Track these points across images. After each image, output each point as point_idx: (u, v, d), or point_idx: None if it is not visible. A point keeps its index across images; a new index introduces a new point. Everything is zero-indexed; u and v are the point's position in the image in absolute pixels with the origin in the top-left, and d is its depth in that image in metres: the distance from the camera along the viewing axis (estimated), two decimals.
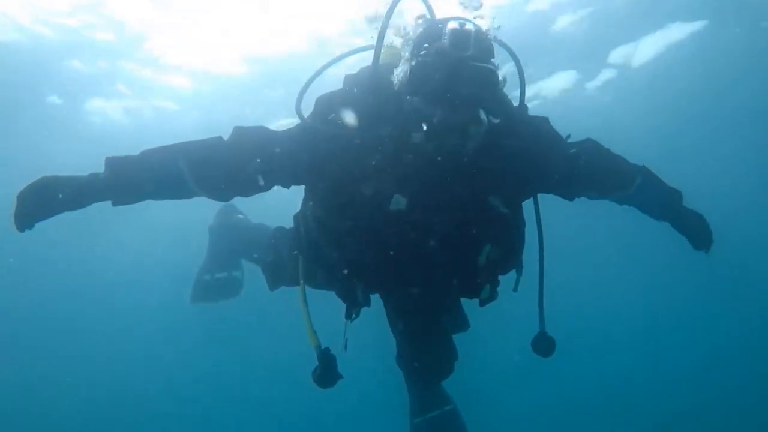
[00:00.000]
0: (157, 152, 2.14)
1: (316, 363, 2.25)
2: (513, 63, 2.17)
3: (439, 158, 1.95)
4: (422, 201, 2.02)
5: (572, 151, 2.27)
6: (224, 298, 4.12)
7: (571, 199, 2.41)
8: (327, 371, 2.22)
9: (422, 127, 1.91)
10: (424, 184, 2.01)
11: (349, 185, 2.04)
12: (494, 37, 2.05)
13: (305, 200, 2.34)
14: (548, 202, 2.42)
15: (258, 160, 2.09)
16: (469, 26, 1.90)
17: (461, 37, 1.88)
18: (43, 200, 2.07)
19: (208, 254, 4.22)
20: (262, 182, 2.13)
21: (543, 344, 2.40)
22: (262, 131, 2.21)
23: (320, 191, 2.16)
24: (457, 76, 1.87)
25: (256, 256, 3.61)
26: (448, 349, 2.69)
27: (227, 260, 4.11)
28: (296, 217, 2.43)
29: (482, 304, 2.33)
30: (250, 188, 2.18)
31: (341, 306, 2.33)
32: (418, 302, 2.34)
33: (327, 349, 2.26)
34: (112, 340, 17.25)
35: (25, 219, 2.07)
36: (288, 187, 2.24)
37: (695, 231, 2.58)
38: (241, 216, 4.19)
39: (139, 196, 2.14)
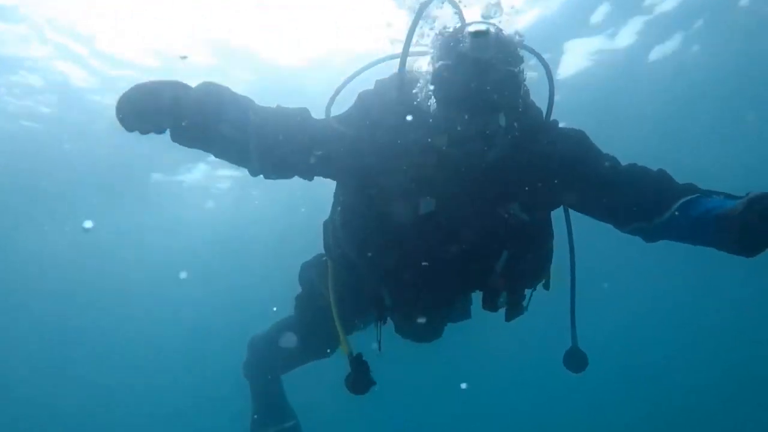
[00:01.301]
0: (236, 103, 2.03)
1: (349, 370, 2.25)
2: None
3: (462, 165, 1.96)
4: (448, 205, 2.02)
5: (607, 164, 2.10)
6: None
7: (618, 224, 2.14)
8: (360, 377, 2.22)
9: (445, 133, 1.92)
10: (449, 189, 2.01)
11: (381, 189, 2.04)
12: (520, 42, 2.02)
13: (334, 206, 2.35)
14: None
15: (319, 153, 2.06)
16: (489, 29, 1.89)
17: (481, 39, 1.87)
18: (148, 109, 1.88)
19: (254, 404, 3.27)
20: (313, 172, 2.15)
21: (576, 360, 2.38)
22: (325, 123, 2.15)
23: (352, 191, 2.17)
24: (476, 79, 1.85)
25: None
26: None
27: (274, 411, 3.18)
28: (326, 224, 2.44)
29: (508, 318, 2.30)
30: (299, 173, 2.16)
31: None
32: (433, 304, 2.28)
33: (360, 356, 2.27)
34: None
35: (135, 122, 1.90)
36: (325, 177, 2.24)
37: None
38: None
39: (206, 135, 1.99)
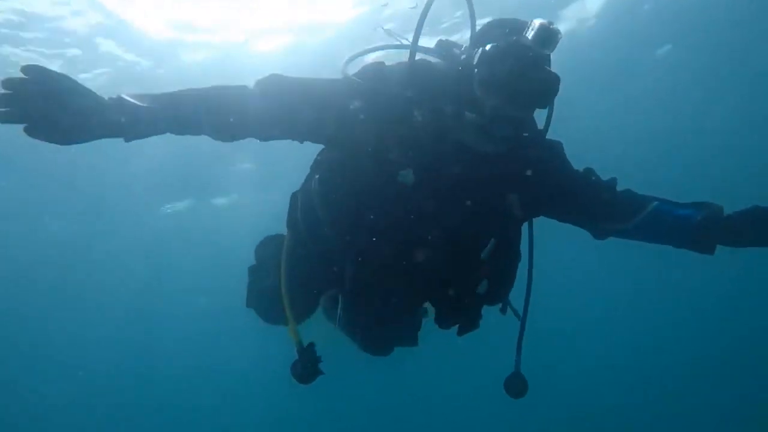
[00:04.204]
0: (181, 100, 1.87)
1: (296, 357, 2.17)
2: None
3: (481, 146, 1.96)
4: (437, 182, 1.97)
5: (581, 170, 2.23)
6: None
7: (598, 226, 2.27)
8: (307, 366, 2.12)
9: (472, 109, 1.91)
10: (452, 168, 1.98)
11: (370, 150, 1.97)
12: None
13: (310, 176, 2.24)
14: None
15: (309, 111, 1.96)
16: (558, 28, 1.88)
17: (548, 34, 1.85)
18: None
19: None
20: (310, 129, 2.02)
21: (516, 385, 2.29)
22: (303, 81, 2.05)
23: (339, 151, 2.07)
24: (531, 70, 1.86)
25: None
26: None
27: None
28: (294, 196, 2.32)
29: (461, 332, 2.23)
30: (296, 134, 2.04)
31: None
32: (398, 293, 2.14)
33: (311, 346, 2.17)
34: None
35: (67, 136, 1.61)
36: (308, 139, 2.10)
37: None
38: None
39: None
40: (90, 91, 1.63)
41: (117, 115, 1.65)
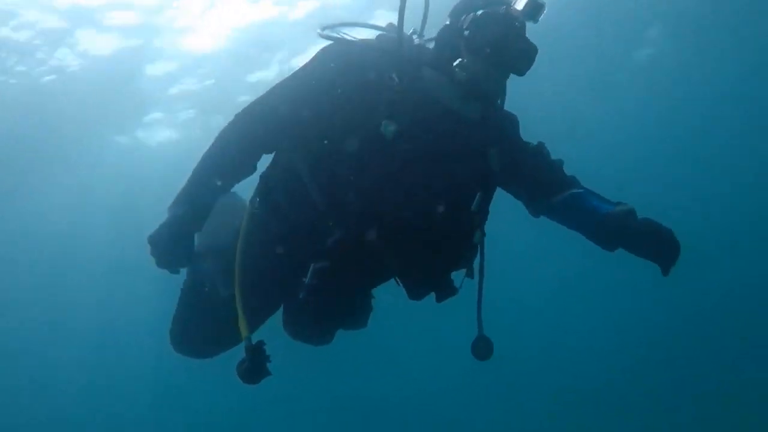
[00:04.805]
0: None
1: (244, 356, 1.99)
2: None
3: (460, 106, 2.06)
4: (420, 136, 2.00)
5: (534, 143, 2.35)
6: None
7: (531, 197, 2.39)
8: (254, 367, 1.97)
9: (457, 66, 2.02)
10: (428, 121, 2.03)
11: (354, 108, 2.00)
12: None
13: (279, 160, 2.19)
14: None
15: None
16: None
17: (537, 6, 1.98)
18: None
19: None
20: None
21: (482, 347, 2.32)
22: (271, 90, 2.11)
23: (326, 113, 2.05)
24: (516, 39, 2.00)
25: None
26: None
27: None
28: (263, 176, 2.22)
29: (440, 299, 2.17)
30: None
31: None
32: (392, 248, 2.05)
33: (260, 344, 2.01)
34: None
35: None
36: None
37: (658, 241, 2.19)
38: None
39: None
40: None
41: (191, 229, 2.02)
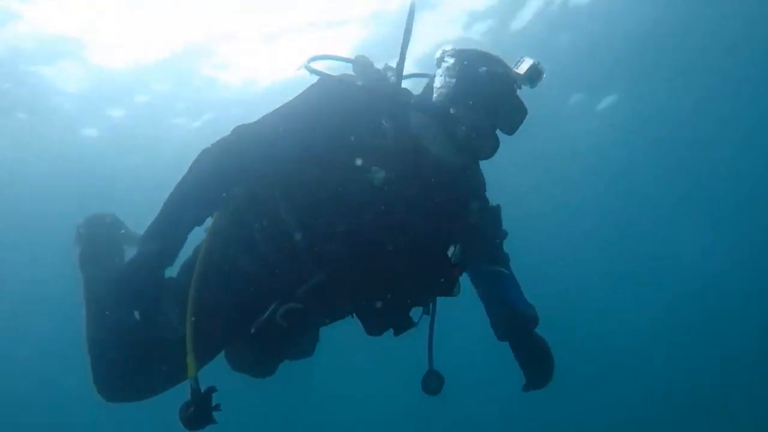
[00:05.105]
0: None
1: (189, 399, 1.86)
2: None
3: (448, 156, 2.05)
4: (406, 184, 1.99)
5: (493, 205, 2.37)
6: None
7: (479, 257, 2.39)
8: (200, 413, 1.84)
9: (457, 126, 2.01)
10: (414, 169, 2.03)
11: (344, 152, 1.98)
12: None
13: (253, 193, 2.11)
14: None
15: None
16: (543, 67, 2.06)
17: (538, 73, 2.04)
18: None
19: None
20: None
21: (432, 382, 2.34)
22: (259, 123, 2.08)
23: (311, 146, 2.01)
24: (514, 99, 2.06)
25: None
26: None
27: None
28: (215, 221, 2.13)
29: (398, 333, 2.11)
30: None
31: None
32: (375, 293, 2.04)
33: (209, 391, 1.87)
34: None
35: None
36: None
37: (540, 362, 2.34)
38: None
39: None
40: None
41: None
